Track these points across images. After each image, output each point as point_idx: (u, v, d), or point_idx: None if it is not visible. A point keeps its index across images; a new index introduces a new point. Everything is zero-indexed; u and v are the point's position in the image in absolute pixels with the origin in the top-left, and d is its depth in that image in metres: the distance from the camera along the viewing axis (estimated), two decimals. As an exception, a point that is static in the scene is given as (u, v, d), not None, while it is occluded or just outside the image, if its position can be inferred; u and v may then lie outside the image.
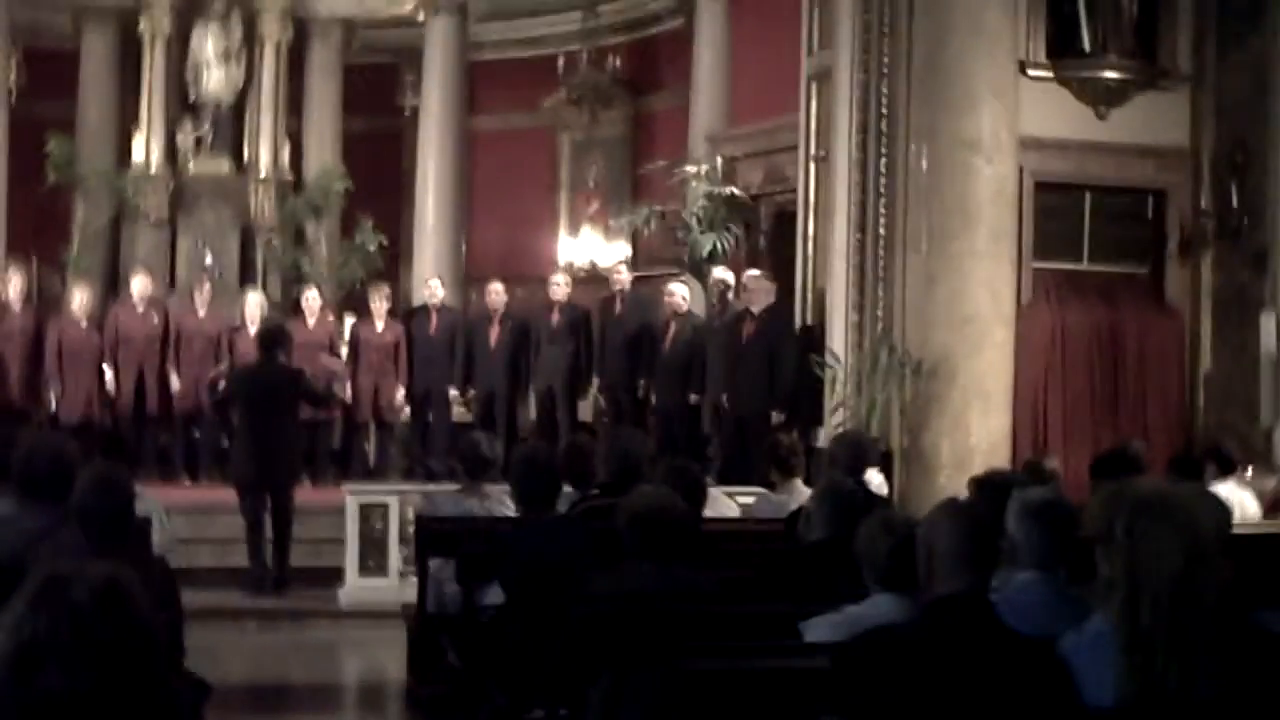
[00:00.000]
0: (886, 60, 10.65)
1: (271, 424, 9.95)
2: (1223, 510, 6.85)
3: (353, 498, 9.84)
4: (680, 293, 12.50)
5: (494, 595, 5.51)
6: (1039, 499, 4.08)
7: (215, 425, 12.25)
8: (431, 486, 9.48)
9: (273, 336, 10.38)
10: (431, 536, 6.65)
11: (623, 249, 16.41)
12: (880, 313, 10.68)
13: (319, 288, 14.17)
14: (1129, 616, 3.00)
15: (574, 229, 17.69)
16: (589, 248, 17.36)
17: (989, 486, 5.10)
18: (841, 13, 11.02)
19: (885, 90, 10.66)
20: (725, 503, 6.97)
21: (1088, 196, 11.14)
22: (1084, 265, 11.20)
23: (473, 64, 17.12)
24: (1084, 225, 11.17)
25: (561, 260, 17.23)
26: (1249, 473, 8.81)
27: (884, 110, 10.67)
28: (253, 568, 9.91)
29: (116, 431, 8.57)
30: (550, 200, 17.86)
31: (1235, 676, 2.98)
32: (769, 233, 13.25)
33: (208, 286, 13.06)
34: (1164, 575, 3.00)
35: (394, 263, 16.51)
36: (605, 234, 17.05)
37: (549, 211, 17.87)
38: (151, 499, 6.99)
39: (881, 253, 10.69)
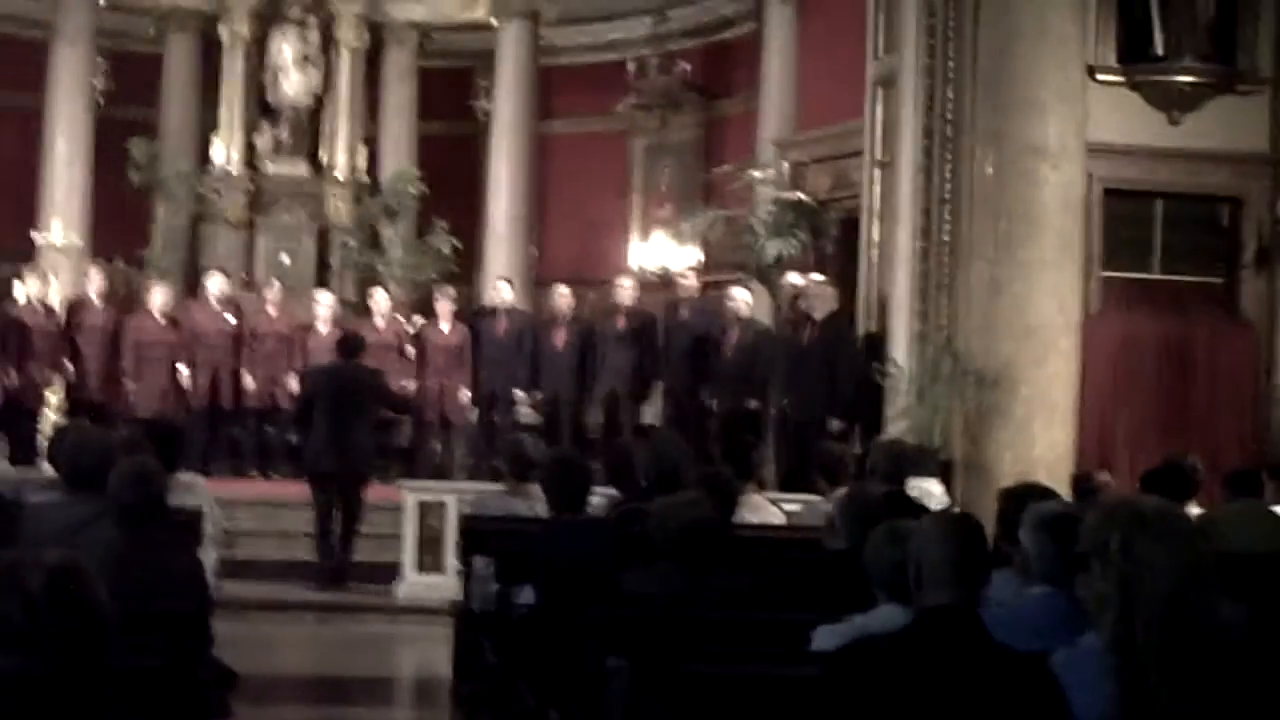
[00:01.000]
0: (951, 65, 10.57)
1: (348, 420, 10.11)
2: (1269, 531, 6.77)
3: (411, 495, 9.93)
4: (741, 298, 12.47)
5: (528, 595, 5.54)
6: (1050, 511, 4.02)
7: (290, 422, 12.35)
8: (487, 486, 9.53)
9: (352, 342, 10.62)
10: (475, 535, 6.70)
11: (693, 254, 16.39)
12: (943, 321, 10.58)
13: (387, 289, 14.30)
14: (1121, 634, 2.96)
15: (646, 233, 17.71)
16: (660, 252, 17.36)
17: (1014, 498, 5.04)
18: (906, 17, 10.95)
19: (950, 95, 10.57)
20: (769, 510, 6.94)
21: (1159, 204, 10.98)
22: (1155, 274, 11.04)
23: (547, 69, 17.21)
24: (1155, 233, 11.02)
25: (633, 265, 17.25)
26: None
27: (949, 115, 10.58)
28: (320, 560, 10.02)
29: (171, 424, 8.69)
30: (623, 204, 17.89)
31: (1227, 698, 2.93)
32: (837, 239, 13.16)
33: (277, 286, 13.20)
34: (1158, 594, 2.95)
35: (467, 265, 16.60)
36: (677, 239, 17.04)
37: (621, 216, 17.90)
38: (205, 491, 7.10)
39: (945, 260, 10.60)
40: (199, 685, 4.36)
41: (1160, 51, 10.72)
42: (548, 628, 5.04)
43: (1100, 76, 10.64)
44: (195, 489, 6.93)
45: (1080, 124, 10.45)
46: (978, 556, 3.14)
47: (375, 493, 11.01)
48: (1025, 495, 4.78)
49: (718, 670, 3.63)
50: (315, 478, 10.18)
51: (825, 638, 3.71)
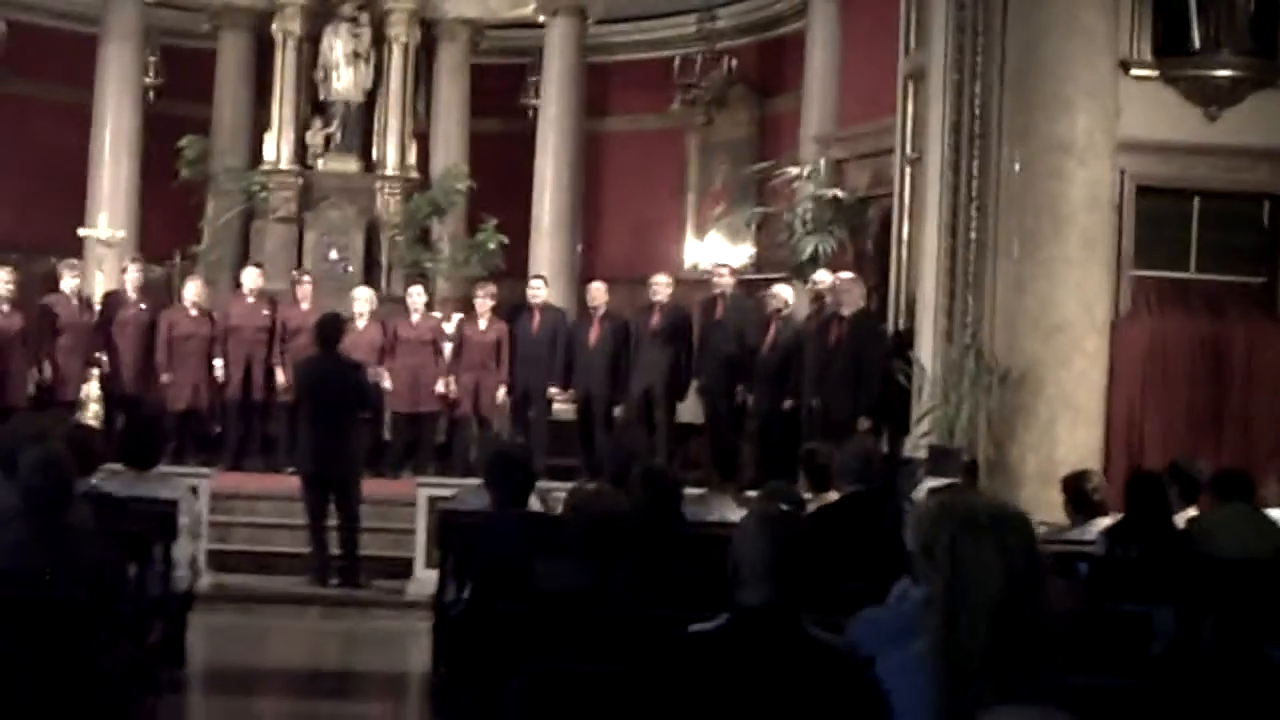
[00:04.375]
0: (980, 60, 10.38)
1: (333, 416, 10.03)
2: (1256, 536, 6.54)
3: (423, 490, 9.91)
4: (783, 294, 12.34)
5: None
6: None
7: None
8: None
9: (328, 328, 10.47)
10: (448, 530, 6.65)
11: (746, 251, 16.28)
12: (969, 319, 10.39)
13: (435, 286, 14.31)
14: (946, 637, 2.84)
15: (701, 231, 17.61)
16: (715, 250, 17.24)
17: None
18: (937, 12, 10.77)
19: (978, 91, 10.39)
20: (730, 507, 6.83)
21: (1196, 201, 10.69)
22: (1190, 274, 10.75)
23: (600, 66, 17.18)
24: (1191, 231, 10.72)
25: (688, 263, 17.16)
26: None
27: (977, 111, 10.39)
28: (315, 557, 10.02)
29: (150, 418, 8.77)
30: (678, 201, 17.80)
31: (1052, 704, 2.79)
32: (876, 236, 13.00)
33: (308, 280, 13.24)
34: (984, 596, 2.83)
35: (517, 262, 16.57)
36: (730, 236, 16.92)
37: (676, 213, 17.82)
38: (182, 484, 7.11)
39: (971, 257, 10.41)
40: (98, 676, 4.33)
41: (1197, 45, 10.44)
42: (473, 624, 4.98)
43: (1135, 71, 10.40)
44: (171, 482, 6.94)
45: (1110, 120, 10.23)
46: (796, 555, 3.02)
47: (397, 488, 11.03)
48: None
49: (574, 666, 3.55)
50: (305, 478, 10.15)
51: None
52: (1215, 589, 5.95)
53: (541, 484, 8.76)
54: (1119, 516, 6.93)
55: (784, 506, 4.77)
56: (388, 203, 16.11)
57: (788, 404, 12.03)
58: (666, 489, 5.26)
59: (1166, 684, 4.30)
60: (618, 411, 13.06)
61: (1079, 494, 7.29)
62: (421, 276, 15.24)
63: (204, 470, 10.58)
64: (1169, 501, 6.64)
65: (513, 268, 16.02)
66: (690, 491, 7.52)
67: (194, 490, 9.35)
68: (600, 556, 4.53)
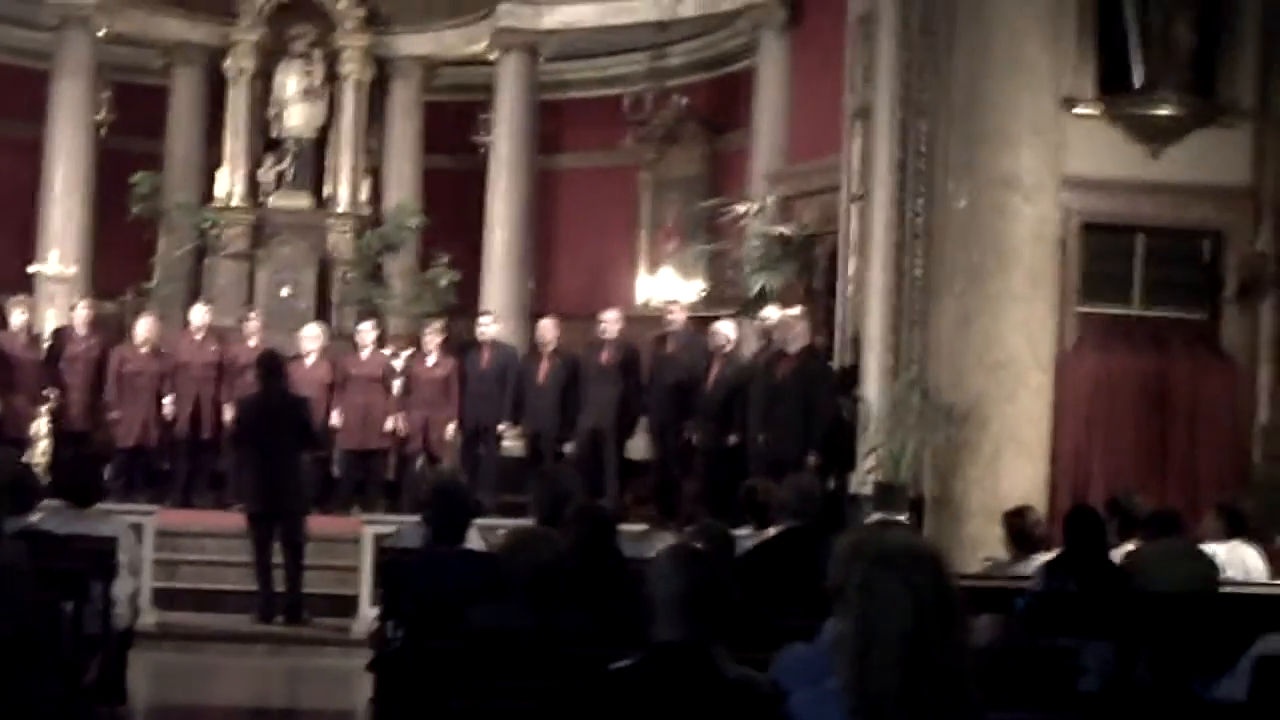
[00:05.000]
0: (925, 97, 10.46)
1: (277, 452, 9.99)
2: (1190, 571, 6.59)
3: (368, 527, 9.87)
4: (724, 332, 12.36)
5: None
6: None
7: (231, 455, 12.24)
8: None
9: (269, 363, 10.44)
10: (385, 567, 6.62)
11: (697, 287, 16.31)
12: (914, 355, 10.44)
13: (378, 322, 14.30)
14: (857, 674, 2.85)
15: (653, 267, 17.64)
16: (667, 286, 17.27)
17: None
18: (882, 49, 10.86)
19: (923, 127, 10.46)
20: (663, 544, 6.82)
21: (1139, 238, 10.78)
22: (1135, 310, 10.83)
23: (552, 103, 17.23)
24: (1135, 268, 10.81)
25: (639, 299, 17.18)
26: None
27: (922, 148, 10.46)
28: (261, 595, 9.97)
29: (89, 456, 8.76)
30: (630, 238, 17.83)
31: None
32: (824, 272, 13.06)
33: (254, 317, 13.22)
34: (894, 632, 2.84)
35: (469, 298, 16.58)
36: (682, 273, 16.95)
37: (629, 250, 17.84)
38: (121, 522, 7.06)
39: (917, 294, 10.47)
40: (26, 715, 4.30)
41: (1140, 83, 10.54)
42: (406, 662, 4.97)
43: (1078, 109, 10.48)
44: (110, 519, 6.90)
45: (1054, 157, 10.31)
46: (709, 592, 3.03)
47: (342, 524, 10.99)
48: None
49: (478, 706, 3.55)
50: (250, 517, 10.10)
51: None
52: (1149, 623, 6.01)
53: (490, 521, 8.80)
54: (1058, 552, 6.97)
55: (700, 544, 4.76)
56: (340, 239, 16.15)
57: (732, 440, 12.04)
58: (600, 527, 5.26)
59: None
60: (568, 448, 13.05)
61: (1018, 529, 7.34)
62: (373, 313, 15.22)
63: (148, 507, 10.51)
64: (1106, 537, 6.68)
65: (465, 304, 16.03)
66: (631, 528, 7.55)
67: (137, 527, 9.36)
68: (539, 602, 4.52)
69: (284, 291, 15.80)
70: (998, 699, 4.72)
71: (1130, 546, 7.24)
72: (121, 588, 6.66)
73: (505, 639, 4.34)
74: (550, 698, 3.15)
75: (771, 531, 6.97)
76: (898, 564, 2.90)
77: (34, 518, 6.49)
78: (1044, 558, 7.05)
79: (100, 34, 15.63)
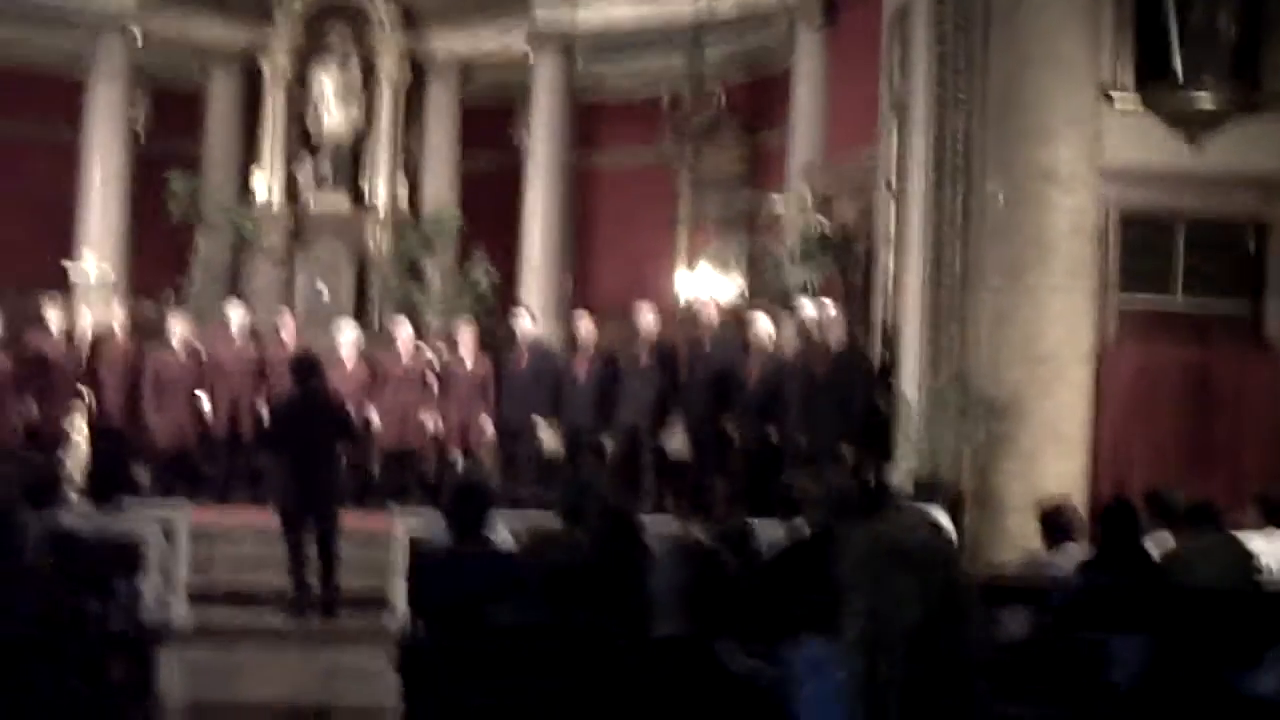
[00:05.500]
0: (961, 91, 10.36)
1: (311, 451, 9.97)
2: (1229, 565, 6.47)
3: (401, 522, 9.84)
4: (764, 328, 12.28)
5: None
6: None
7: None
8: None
9: (305, 364, 10.43)
10: (410, 566, 6.59)
11: (736, 284, 16.25)
12: (953, 349, 10.34)
13: (426, 322, 14.29)
14: (864, 669, 2.78)
15: (692, 264, 17.57)
16: (706, 283, 17.20)
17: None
18: (918, 43, 10.76)
19: (960, 121, 10.36)
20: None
21: (1181, 229, 10.64)
22: (1177, 301, 10.69)
23: (593, 102, 17.17)
24: (1176, 259, 10.66)
25: (680, 296, 17.11)
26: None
27: (959, 142, 10.36)
28: (295, 591, 9.95)
29: (113, 456, 8.79)
30: (669, 236, 17.75)
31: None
32: (863, 268, 12.95)
33: (289, 316, 13.23)
34: (902, 627, 2.77)
35: (507, 297, 16.56)
36: (722, 269, 16.89)
37: (668, 247, 17.76)
38: (148, 518, 7.06)
39: (955, 288, 10.36)
40: (42, 713, 4.27)
41: (1180, 73, 10.41)
42: (427, 659, 4.93)
43: (1117, 99, 10.36)
44: (138, 518, 6.89)
45: (1092, 149, 10.19)
46: (709, 587, 2.96)
47: (377, 521, 10.97)
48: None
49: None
50: (284, 515, 10.09)
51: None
52: (1186, 618, 5.91)
53: (530, 515, 8.73)
54: (1094, 546, 6.86)
55: (716, 540, 4.70)
56: (378, 239, 16.15)
57: (773, 435, 11.96)
58: (623, 525, 5.19)
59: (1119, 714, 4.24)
60: (607, 445, 13.01)
61: (1053, 523, 7.23)
62: (411, 313, 15.22)
63: (180, 503, 10.52)
64: (1141, 530, 6.57)
65: (503, 303, 16.00)
66: (662, 525, 7.47)
67: (169, 525, 9.38)
68: (556, 601, 4.47)
69: (322, 292, 15.81)
70: (1026, 692, 4.66)
71: (1168, 539, 7.14)
72: (150, 585, 6.66)
73: (522, 637, 4.28)
74: (565, 695, 3.11)
75: (805, 529, 6.89)
76: (912, 560, 2.83)
77: (61, 516, 6.48)
78: (1077, 551, 6.95)
79: (136, 38, 15.67)
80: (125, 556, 6.40)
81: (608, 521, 5.17)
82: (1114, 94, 10.34)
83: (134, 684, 6.57)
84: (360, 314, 15.57)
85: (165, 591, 6.92)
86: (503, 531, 6.70)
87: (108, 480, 6.75)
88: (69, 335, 12.65)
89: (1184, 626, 5.89)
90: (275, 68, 16.19)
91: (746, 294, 15.88)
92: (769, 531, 7.40)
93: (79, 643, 5.29)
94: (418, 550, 6.56)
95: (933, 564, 2.84)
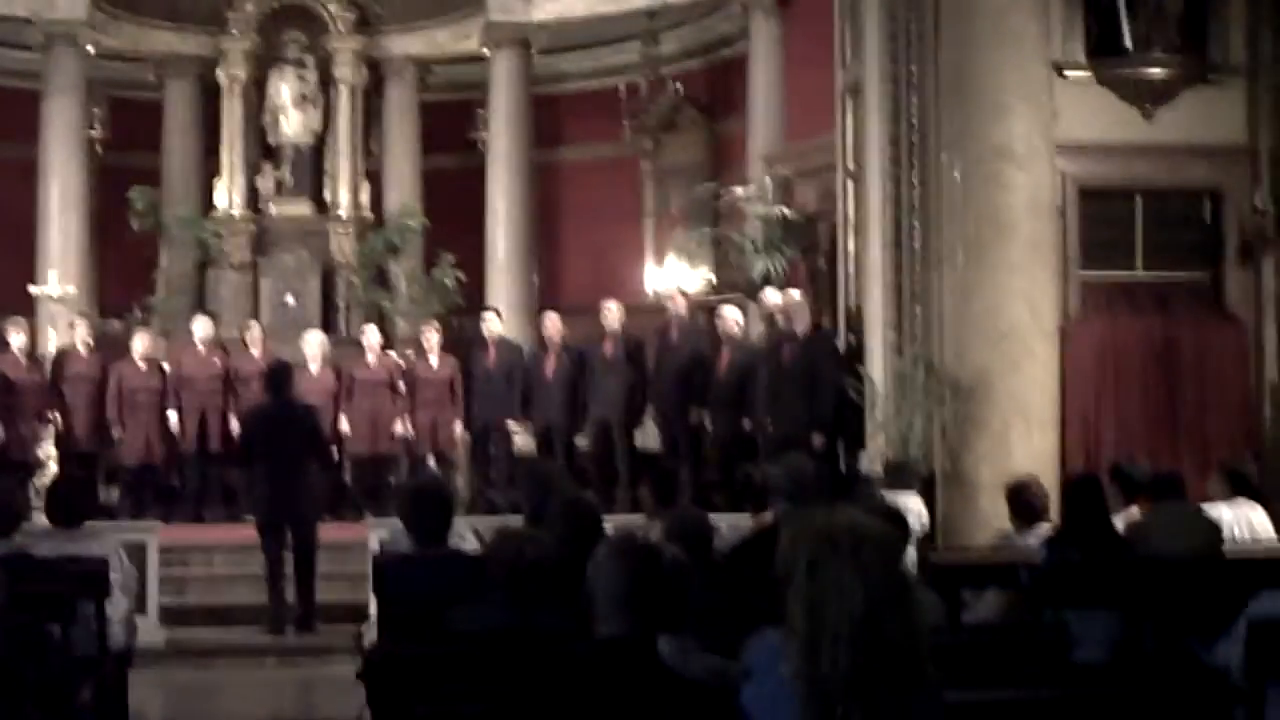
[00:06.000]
0: (914, 71, 10.34)
1: (287, 462, 9.93)
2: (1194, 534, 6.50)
3: (374, 532, 9.78)
4: (732, 317, 12.26)
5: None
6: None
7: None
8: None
9: (278, 374, 10.38)
10: (375, 573, 6.55)
11: (705, 274, 16.23)
12: (917, 331, 10.33)
13: (394, 326, 14.24)
14: (807, 663, 2.76)
15: (660, 257, 17.56)
16: (675, 275, 17.18)
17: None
18: (869, 24, 10.75)
19: (914, 101, 10.34)
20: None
21: (1139, 200, 10.67)
22: (1138, 273, 10.72)
23: (549, 97, 17.15)
24: (1136, 231, 10.69)
25: (649, 289, 17.10)
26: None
27: (913, 122, 10.35)
28: (272, 606, 9.90)
29: (79, 475, 8.75)
30: (635, 228, 17.75)
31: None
32: (827, 252, 12.94)
33: (257, 327, 13.17)
34: (845, 617, 2.75)
35: (475, 297, 16.52)
36: (689, 261, 16.87)
37: (635, 239, 17.77)
38: (112, 540, 7.01)
39: (916, 269, 10.35)
40: None
41: (1129, 45, 10.43)
42: (385, 667, 4.91)
43: (1069, 73, 10.37)
44: (102, 539, 6.84)
45: (1047, 124, 10.19)
46: (651, 586, 2.95)
47: (353, 531, 10.93)
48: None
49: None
50: (261, 527, 10.04)
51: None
52: (1153, 590, 5.92)
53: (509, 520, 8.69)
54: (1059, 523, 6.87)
55: (671, 533, 4.69)
56: (342, 244, 16.11)
57: (747, 424, 11.95)
58: (586, 522, 5.18)
59: (1084, 692, 4.25)
60: (579, 441, 13.00)
61: (1021, 502, 7.25)
62: (379, 317, 15.18)
63: (150, 524, 10.46)
64: (1106, 505, 6.58)
65: (472, 303, 15.96)
66: (629, 519, 7.45)
67: (140, 545, 9.33)
68: (517, 602, 4.45)
69: (288, 300, 15.75)
70: (995, 675, 4.66)
71: (1134, 511, 7.16)
72: (115, 608, 6.61)
73: (479, 640, 4.27)
74: (519, 698, 3.08)
75: (768, 517, 6.89)
76: (844, 547, 2.81)
77: (22, 541, 6.43)
78: (1048, 529, 6.96)
79: (90, 50, 15.58)
80: (89, 580, 6.36)
81: (569, 519, 5.16)
82: (1065, 69, 10.35)
83: (104, 708, 6.53)
84: (327, 321, 15.52)
85: (131, 613, 6.84)
86: (468, 535, 6.68)
87: (70, 504, 6.70)
88: (31, 356, 12.55)
89: (1151, 599, 5.92)
90: (231, 75, 16.11)
91: (715, 284, 15.86)
92: (742, 523, 7.42)
93: (39, 669, 5.26)
94: (379, 557, 6.54)
95: (868, 550, 2.82)
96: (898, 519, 4.86)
